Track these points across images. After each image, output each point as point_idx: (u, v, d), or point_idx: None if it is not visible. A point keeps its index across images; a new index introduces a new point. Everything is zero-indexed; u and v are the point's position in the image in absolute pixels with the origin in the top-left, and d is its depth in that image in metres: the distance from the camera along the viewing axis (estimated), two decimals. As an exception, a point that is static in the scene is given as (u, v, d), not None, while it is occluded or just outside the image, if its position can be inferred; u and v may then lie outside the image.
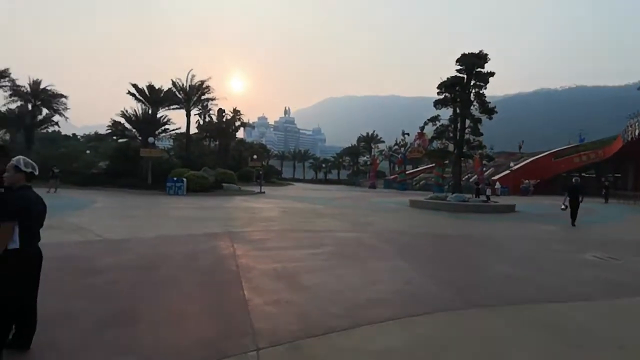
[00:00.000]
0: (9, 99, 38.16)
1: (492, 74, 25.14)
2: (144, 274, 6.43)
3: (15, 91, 38.02)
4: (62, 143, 55.30)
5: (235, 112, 56.82)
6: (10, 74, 37.49)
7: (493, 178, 48.60)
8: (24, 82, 38.87)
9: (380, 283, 6.35)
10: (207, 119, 54.08)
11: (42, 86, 39.44)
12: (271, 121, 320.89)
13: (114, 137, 40.78)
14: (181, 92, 40.97)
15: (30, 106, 39.14)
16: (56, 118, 41.13)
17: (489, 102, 25.39)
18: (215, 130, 53.53)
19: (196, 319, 4.53)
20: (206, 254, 8.16)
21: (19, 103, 38.73)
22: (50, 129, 44.81)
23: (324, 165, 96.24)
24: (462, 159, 26.62)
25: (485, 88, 25.35)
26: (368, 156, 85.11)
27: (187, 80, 41.84)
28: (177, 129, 40.43)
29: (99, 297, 5.15)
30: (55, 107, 40.40)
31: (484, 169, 51.91)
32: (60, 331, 3.96)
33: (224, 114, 54.52)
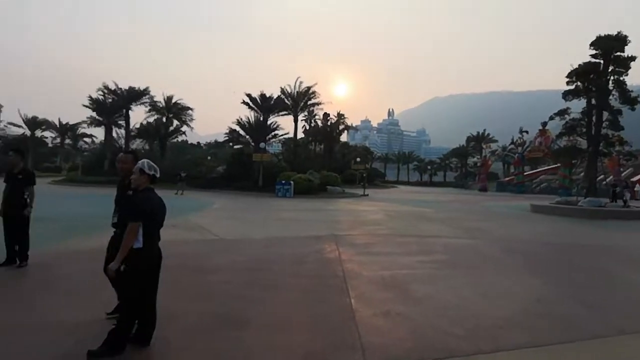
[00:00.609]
0: (148, 114, 44.20)
1: (633, 58, 21.40)
2: (253, 275, 6.56)
3: (153, 106, 43.82)
4: (188, 150, 62.00)
5: (340, 115, 57.80)
6: (149, 92, 43.34)
7: (633, 179, 41.45)
8: (159, 98, 44.61)
9: (504, 299, 5.55)
10: (313, 123, 55.91)
11: (173, 100, 44.79)
12: (374, 124, 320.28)
13: (230, 144, 44.48)
14: (289, 99, 42.89)
15: (164, 119, 44.72)
16: (184, 128, 46.42)
17: (631, 91, 21.63)
18: (320, 134, 55.08)
19: (302, 327, 4.37)
20: (312, 257, 8.11)
21: (155, 116, 44.57)
22: (179, 138, 50.78)
23: (429, 167, 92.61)
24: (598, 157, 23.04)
25: (627, 74, 21.65)
26: (478, 157, 79.50)
27: (295, 87, 43.70)
28: (285, 134, 42.48)
29: (211, 297, 5.33)
30: (183, 119, 45.58)
31: (621, 169, 44.53)
32: (174, 329, 4.12)
33: (328, 117, 55.82)
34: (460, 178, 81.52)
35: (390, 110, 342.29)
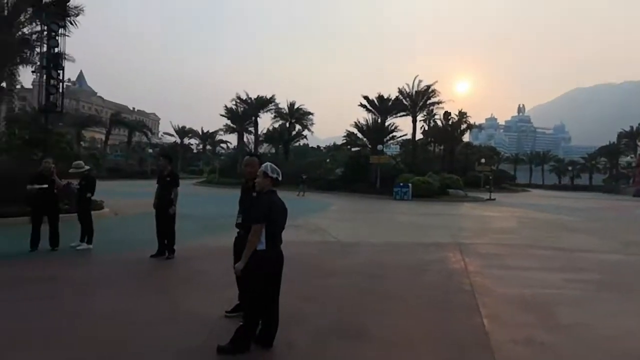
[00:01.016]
0: (273, 120, 47.63)
1: None
2: (372, 281, 6.36)
3: (278, 113, 47.08)
4: (309, 153, 65.00)
5: (461, 114, 54.41)
6: (275, 99, 46.67)
7: None
8: (283, 105, 47.69)
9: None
10: (432, 123, 53.71)
11: (295, 106, 47.45)
12: (501, 121, 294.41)
13: (348, 147, 45.25)
14: (407, 99, 41.84)
15: (287, 124, 47.67)
16: (305, 132, 48.85)
17: None
18: (440, 135, 52.58)
19: (426, 347, 4.01)
20: (434, 266, 7.58)
21: (280, 122, 47.78)
22: (301, 142, 53.59)
23: (569, 168, 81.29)
24: None
25: None
26: (632, 156, 67.18)
27: (413, 87, 42.47)
28: (403, 135, 41.57)
29: (329, 301, 5.28)
30: (305, 123, 47.97)
31: None
32: (294, 332, 4.13)
33: (449, 117, 52.99)
34: (610, 181, 69.83)
35: (521, 106, 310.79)
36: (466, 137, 72.99)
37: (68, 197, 11.34)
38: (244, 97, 46.51)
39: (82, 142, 48.53)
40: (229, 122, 48.25)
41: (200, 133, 70.93)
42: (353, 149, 43.18)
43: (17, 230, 8.99)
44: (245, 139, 48.63)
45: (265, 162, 4.04)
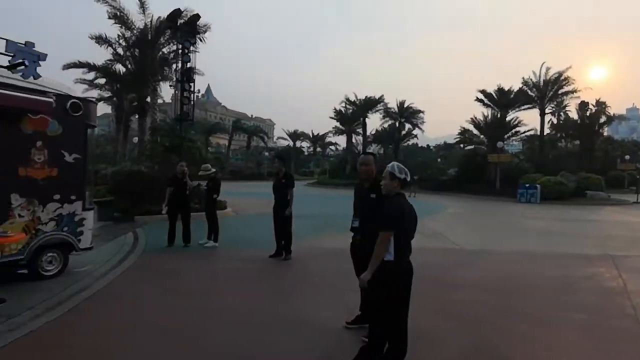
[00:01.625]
0: (382, 120, 47.04)
1: None
2: (509, 299, 5.55)
3: (387, 113, 46.34)
4: (419, 153, 62.82)
5: (600, 104, 47.03)
6: (383, 99, 46.05)
7: None
8: (392, 104, 46.78)
9: None
10: (562, 116, 47.44)
11: (405, 105, 46.19)
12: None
13: (461, 145, 42.41)
14: (533, 90, 37.57)
15: (397, 123, 46.66)
16: (415, 131, 47.22)
17: None
18: (576, 128, 46.11)
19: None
20: (584, 284, 6.39)
21: (389, 122, 47.00)
22: (410, 142, 51.97)
23: None
24: None
25: None
26: None
27: (540, 75, 37.97)
28: (528, 130, 37.43)
29: (461, 319, 4.70)
30: (414, 122, 46.41)
31: None
32: (425, 353, 3.69)
33: (586, 107, 46.17)
34: None
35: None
36: (605, 131, 63.13)
37: (198, 197, 12.47)
38: (352, 98, 46.83)
39: (209, 148, 53.97)
40: (338, 124, 49.05)
41: (311, 136, 73.62)
42: (467, 148, 40.31)
43: (161, 226, 10.08)
44: (353, 140, 48.97)
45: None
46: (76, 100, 6.16)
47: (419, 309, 4.52)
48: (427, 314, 4.69)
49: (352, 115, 46.91)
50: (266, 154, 65.91)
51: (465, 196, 28.27)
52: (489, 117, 35.41)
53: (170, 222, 8.61)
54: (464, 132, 38.64)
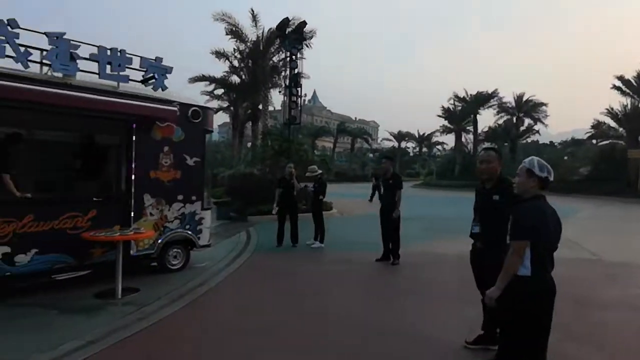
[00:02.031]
0: (497, 116, 43.38)
1: None
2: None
3: (501, 108, 42.62)
4: (541, 150, 56.65)
5: None
6: (497, 93, 42.47)
7: None
8: (508, 98, 42.87)
9: None
10: None
11: (524, 98, 41.97)
12: None
13: (594, 140, 36.99)
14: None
15: (514, 119, 42.64)
16: (537, 127, 42.55)
17: None
18: None
19: None
20: None
21: (504, 118, 43.18)
22: (529, 139, 47.01)
23: None
24: None
25: None
26: None
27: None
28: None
29: (614, 346, 3.87)
30: (536, 116, 41.87)
31: None
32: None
33: None
34: None
35: None
36: None
37: (305, 199, 12.77)
38: (461, 94, 44.10)
39: (315, 151, 55.78)
40: (445, 122, 46.60)
41: (417, 136, 71.37)
42: (601, 143, 34.99)
43: (271, 226, 10.50)
44: (463, 139, 46.02)
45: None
46: (196, 108, 6.65)
47: (559, 333, 3.85)
48: (570, 340, 3.95)
49: (461, 112, 44.17)
50: (370, 155, 65.59)
51: (598, 198, 24.46)
52: (629, 106, 30.25)
53: (279, 223, 8.88)
54: (597, 125, 33.68)
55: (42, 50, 5.14)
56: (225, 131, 61.05)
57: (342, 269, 7.00)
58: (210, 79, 21.23)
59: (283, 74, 20.91)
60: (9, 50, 4.86)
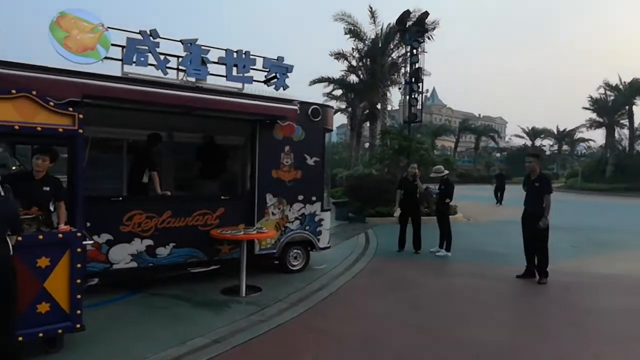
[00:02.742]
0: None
1: None
2: None
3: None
4: None
5: None
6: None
7: None
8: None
9: None
10: None
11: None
12: None
13: None
14: None
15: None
16: None
17: None
18: None
19: None
20: None
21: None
22: None
23: None
24: None
25: None
26: None
27: None
28: None
29: None
30: None
31: None
32: None
33: None
34: None
35: None
36: None
37: (427, 201, 11.92)
38: (614, 82, 37.41)
39: (435, 150, 53.20)
40: (594, 115, 40.07)
41: (556, 132, 63.03)
42: None
43: (390, 229, 9.97)
44: (616, 135, 38.96)
45: None
46: (316, 106, 6.49)
47: None
48: None
49: (613, 103, 37.49)
50: (497, 155, 60.08)
51: None
52: None
53: (400, 226, 8.30)
54: None
55: (178, 57, 5.47)
56: (343, 132, 62.14)
57: (477, 285, 6.12)
58: (330, 80, 21.48)
59: (402, 70, 20.16)
60: (150, 59, 5.25)
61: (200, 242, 5.59)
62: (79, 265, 3.56)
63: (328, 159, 6.89)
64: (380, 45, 19.35)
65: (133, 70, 5.19)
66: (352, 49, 19.72)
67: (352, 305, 5.13)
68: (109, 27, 5.04)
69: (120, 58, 5.09)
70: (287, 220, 6.30)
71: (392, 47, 19.66)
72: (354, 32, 18.87)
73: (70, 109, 3.48)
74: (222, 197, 5.89)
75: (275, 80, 6.19)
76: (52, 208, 4.56)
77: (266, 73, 6.20)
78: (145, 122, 5.94)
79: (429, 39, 16.90)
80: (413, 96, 14.81)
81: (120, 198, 5.20)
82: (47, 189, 4.31)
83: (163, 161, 6.47)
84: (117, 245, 5.06)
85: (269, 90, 6.25)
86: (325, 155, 6.68)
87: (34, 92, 3.32)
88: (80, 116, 3.51)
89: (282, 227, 6.27)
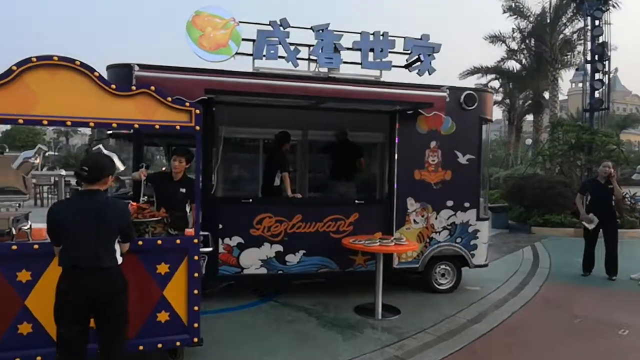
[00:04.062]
0: None
1: None
2: None
3: None
4: None
5: None
6: None
7: None
8: None
9: None
10: None
11: None
12: None
13: None
14: None
15: None
16: None
17: None
18: None
19: None
20: None
21: None
22: None
23: None
24: None
25: None
26: None
27: None
28: None
29: None
30: None
31: None
32: None
33: None
34: None
35: None
36: None
37: (619, 210, 9.22)
38: None
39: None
40: None
41: None
42: None
43: (566, 244, 7.96)
44: None
45: None
46: (471, 92, 5.28)
47: None
48: None
49: None
50: None
51: None
52: None
53: (587, 242, 6.35)
54: None
55: (309, 46, 4.97)
56: (497, 129, 56.30)
57: None
58: (484, 70, 18.96)
59: (578, 48, 16.68)
60: (280, 51, 4.87)
61: (332, 251, 4.99)
62: (196, 275, 3.25)
63: (485, 157, 5.59)
64: (548, 20, 16.31)
65: (264, 64, 4.89)
66: (512, 29, 17.08)
67: (525, 352, 3.82)
68: (240, 22, 4.83)
69: (251, 53, 4.83)
70: (432, 230, 5.25)
71: (564, 21, 16.40)
72: (515, 9, 16.29)
73: (187, 104, 3.18)
74: (357, 202, 5.19)
75: (419, 63, 5.21)
76: (187, 210, 4.54)
77: (407, 57, 5.27)
78: (277, 120, 5.65)
79: (614, 7, 13.46)
80: (596, 77, 11.87)
81: (251, 200, 4.93)
82: (184, 190, 4.25)
83: (295, 161, 6.11)
84: (248, 250, 4.81)
85: (410, 77, 5.33)
86: (483, 151, 5.40)
87: (153, 88, 3.10)
88: (197, 112, 3.19)
89: (427, 238, 5.25)
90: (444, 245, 5.28)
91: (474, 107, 5.24)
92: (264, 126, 5.87)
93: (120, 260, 2.60)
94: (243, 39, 4.82)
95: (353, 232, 5.00)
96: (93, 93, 2.99)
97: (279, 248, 4.89)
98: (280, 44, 4.85)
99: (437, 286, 5.35)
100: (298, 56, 4.92)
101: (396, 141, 5.14)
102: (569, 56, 17.41)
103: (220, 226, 4.71)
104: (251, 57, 4.83)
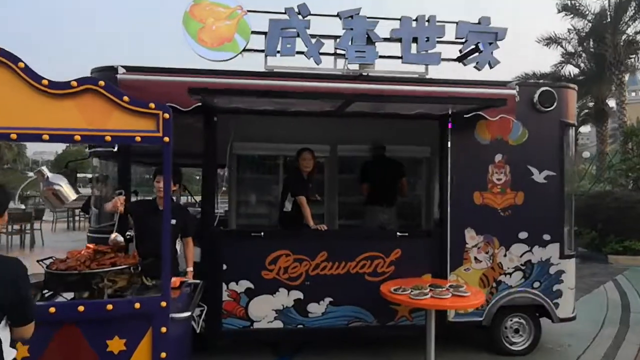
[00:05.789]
0: None
1: None
2: None
3: None
4: None
5: None
6: None
7: None
8: None
9: None
10: None
11: None
12: None
13: None
14: None
15: None
16: None
17: None
18: None
19: None
20: None
21: None
22: None
23: None
24: None
25: None
26: None
27: None
28: None
29: None
30: None
31: None
32: None
33: None
34: None
35: None
36: None
37: None
38: None
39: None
40: None
41: None
42: None
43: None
44: None
45: None
46: (549, 89, 4.04)
47: None
48: None
49: None
50: None
51: None
52: None
53: None
54: None
55: (335, 37, 3.94)
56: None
57: None
58: (539, 77, 17.15)
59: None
60: (299, 45, 3.87)
61: (367, 299, 3.84)
62: (163, 355, 2.21)
63: (570, 174, 4.30)
64: (609, 19, 14.58)
65: (278, 62, 3.91)
66: (568, 30, 15.41)
67: None
68: (249, 11, 3.89)
69: (263, 49, 3.87)
70: (500, 272, 3.99)
71: (626, 19, 14.63)
72: (571, 8, 14.69)
73: (152, 105, 2.20)
74: (399, 234, 4.01)
75: (477, 54, 4.05)
76: (178, 247, 3.55)
77: (461, 47, 4.12)
78: (299, 134, 4.62)
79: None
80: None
81: (262, 234, 3.87)
82: (173, 222, 3.26)
83: (322, 183, 5.02)
84: (259, 297, 3.75)
85: (464, 73, 4.18)
86: (566, 166, 4.12)
87: (102, 83, 2.15)
88: (166, 116, 2.21)
89: (493, 282, 3.99)
90: (516, 291, 4.00)
91: (552, 108, 4.00)
92: (283, 141, 4.84)
93: (13, 354, 1.57)
94: (252, 32, 3.88)
95: (395, 275, 3.84)
96: (16, 92, 2.08)
97: (299, 295, 3.80)
98: (298, 36, 3.86)
99: (508, 345, 4.04)
100: (321, 50, 3.90)
101: (448, 155, 3.96)
102: (632, 59, 15.51)
103: (224, 267, 3.71)
104: (263, 54, 3.87)
